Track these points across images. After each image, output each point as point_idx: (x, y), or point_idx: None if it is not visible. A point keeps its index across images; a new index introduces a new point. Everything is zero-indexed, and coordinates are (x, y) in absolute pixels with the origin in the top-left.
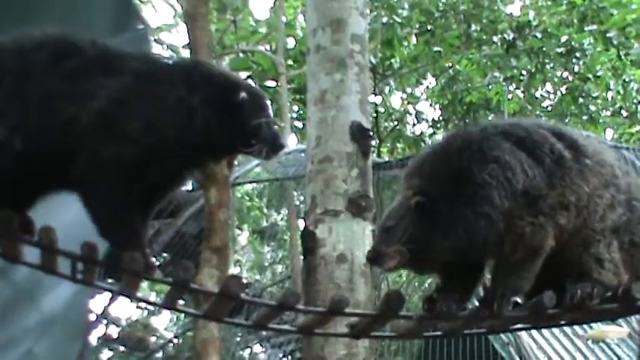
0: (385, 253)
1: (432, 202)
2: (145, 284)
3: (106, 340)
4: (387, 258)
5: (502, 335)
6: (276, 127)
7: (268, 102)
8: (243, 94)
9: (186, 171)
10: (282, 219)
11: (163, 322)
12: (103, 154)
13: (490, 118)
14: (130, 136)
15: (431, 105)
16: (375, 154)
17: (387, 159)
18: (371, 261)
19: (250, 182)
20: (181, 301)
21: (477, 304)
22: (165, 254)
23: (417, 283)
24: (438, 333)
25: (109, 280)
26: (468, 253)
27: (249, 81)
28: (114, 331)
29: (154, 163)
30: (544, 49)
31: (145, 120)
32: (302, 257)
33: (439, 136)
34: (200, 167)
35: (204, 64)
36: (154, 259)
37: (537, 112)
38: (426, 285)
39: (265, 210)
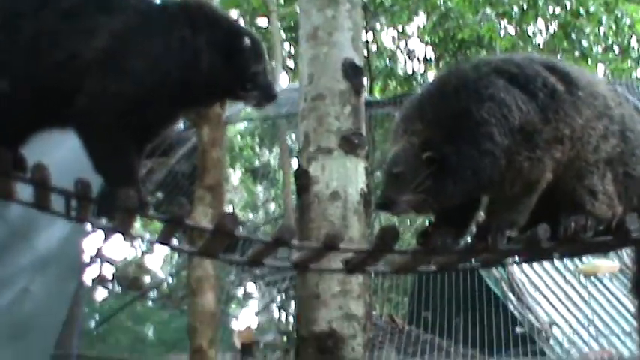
0: (398, 200)
1: (439, 151)
2: (138, 224)
3: (100, 280)
4: (400, 205)
5: (494, 272)
6: (270, 76)
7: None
8: (247, 41)
9: (182, 111)
10: (274, 158)
11: (157, 262)
12: (105, 91)
13: (482, 55)
14: (134, 74)
15: (422, 42)
16: (367, 92)
17: (379, 97)
18: (382, 207)
19: (242, 121)
20: (175, 242)
21: (471, 239)
22: (158, 193)
23: (409, 221)
24: (432, 268)
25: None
26: (474, 194)
27: (240, 20)
28: (108, 271)
29: (154, 102)
30: None
31: (149, 58)
32: (295, 195)
33: (431, 75)
34: (196, 108)
35: (206, 5)
36: (147, 197)
37: (529, 49)
38: (419, 222)
39: (257, 149)
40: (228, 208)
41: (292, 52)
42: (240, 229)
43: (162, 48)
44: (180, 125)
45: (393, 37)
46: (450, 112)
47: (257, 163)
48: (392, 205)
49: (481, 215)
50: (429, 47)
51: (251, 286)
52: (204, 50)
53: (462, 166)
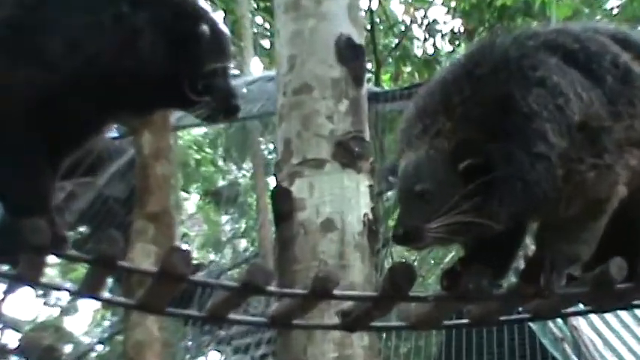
0: (424, 229)
1: (481, 156)
2: (53, 270)
3: (0, 351)
4: (427, 236)
5: (553, 327)
6: (234, 83)
7: (232, 47)
8: (204, 27)
9: (112, 115)
10: (244, 175)
11: (81, 324)
12: (6, 80)
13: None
14: (47, 56)
15: (448, 12)
16: (371, 82)
17: (387, 88)
18: (403, 240)
19: (199, 125)
20: (106, 294)
21: (516, 280)
22: (81, 226)
23: (432, 260)
24: (464, 321)
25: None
26: (521, 217)
27: None
28: (11, 338)
29: (74, 96)
30: None
31: (70, 35)
32: (274, 226)
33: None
34: (129, 114)
35: None
36: (65, 231)
37: (597, 17)
38: (442, 255)
39: (221, 163)
40: (180, 245)
41: (267, 27)
42: (197, 272)
43: (88, 24)
44: (114, 132)
45: (406, 4)
46: (486, 101)
47: (221, 182)
48: (416, 237)
49: (529, 247)
50: (457, 18)
51: (214, 356)
52: (145, 31)
53: (510, 180)
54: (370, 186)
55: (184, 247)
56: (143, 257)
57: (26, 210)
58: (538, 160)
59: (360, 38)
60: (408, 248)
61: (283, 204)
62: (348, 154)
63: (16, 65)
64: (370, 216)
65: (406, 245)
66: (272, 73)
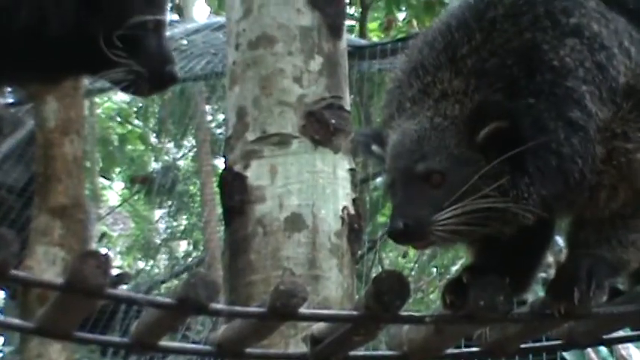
0: (430, 222)
1: (507, 118)
2: None
3: None
4: (435, 232)
5: (593, 355)
6: (169, 43)
7: None
8: None
9: (4, 78)
10: (183, 156)
11: None
12: None
13: None
14: None
15: None
16: (354, 32)
17: (376, 40)
18: (402, 237)
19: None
20: None
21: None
22: None
23: (435, 268)
24: (474, 350)
25: None
26: (555, 206)
27: None
28: None
29: None
30: None
31: None
32: (223, 224)
33: None
34: (27, 81)
35: None
36: None
37: None
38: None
39: (154, 140)
40: (97, 249)
41: None
42: (120, 285)
43: None
44: (6, 98)
45: None
46: (503, 50)
47: (153, 165)
48: (421, 233)
49: (558, 250)
50: None
51: None
52: None
53: (543, 149)
54: (351, 170)
55: (102, 251)
56: (46, 265)
57: None
58: (573, 129)
59: None
60: (404, 249)
61: (235, 194)
62: (321, 127)
63: None
64: (351, 210)
65: (408, 244)
66: (220, 19)
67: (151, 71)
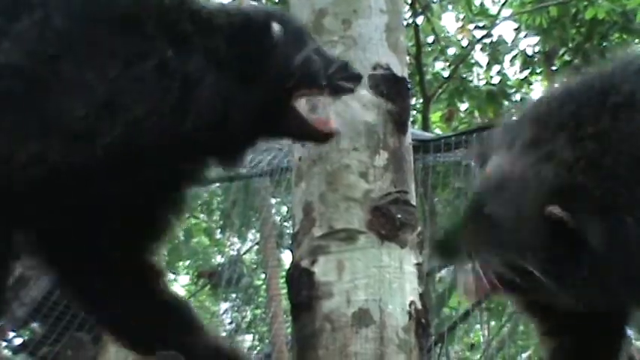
0: (479, 254)
1: (578, 212)
2: None
3: None
4: (483, 265)
5: None
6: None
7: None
8: (275, 27)
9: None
10: (249, 250)
11: None
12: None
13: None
14: (65, 124)
15: (518, 29)
16: (417, 124)
17: (438, 131)
18: (445, 251)
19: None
20: None
21: None
22: (34, 323)
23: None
24: None
25: None
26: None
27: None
28: None
29: (103, 177)
30: None
31: (95, 96)
32: (290, 318)
33: (537, 89)
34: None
35: None
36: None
37: None
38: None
39: (218, 234)
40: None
41: None
42: None
43: (122, 80)
44: None
45: (460, 19)
46: (623, 145)
47: (219, 258)
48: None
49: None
50: (532, 35)
51: None
52: (201, 79)
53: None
54: (418, 264)
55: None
56: None
57: None
58: None
59: (402, 68)
60: (471, 342)
61: (303, 290)
62: (388, 222)
63: (22, 135)
64: (418, 305)
65: (446, 260)
66: None
67: (340, 75)
